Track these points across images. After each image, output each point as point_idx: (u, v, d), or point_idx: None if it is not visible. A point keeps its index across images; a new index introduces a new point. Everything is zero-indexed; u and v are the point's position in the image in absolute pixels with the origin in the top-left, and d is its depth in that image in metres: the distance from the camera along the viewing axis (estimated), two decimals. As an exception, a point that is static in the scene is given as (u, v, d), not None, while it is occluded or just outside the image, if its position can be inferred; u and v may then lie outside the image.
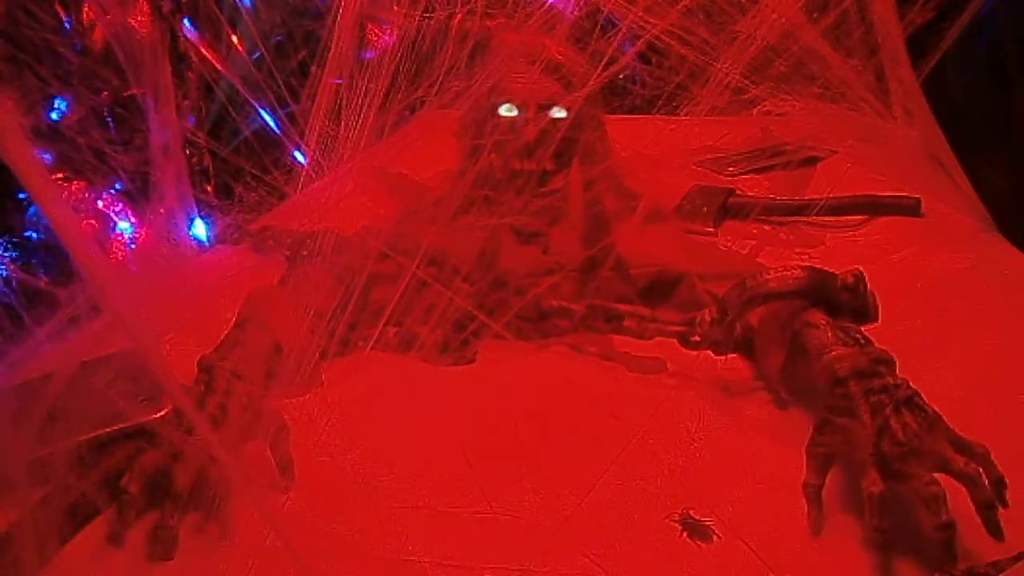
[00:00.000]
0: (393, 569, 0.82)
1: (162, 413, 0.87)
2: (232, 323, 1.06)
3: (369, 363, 1.12)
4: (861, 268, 1.00)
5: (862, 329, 0.95)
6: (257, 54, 1.73)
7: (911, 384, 0.85)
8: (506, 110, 1.30)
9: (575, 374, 1.11)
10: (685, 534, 0.83)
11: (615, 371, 1.11)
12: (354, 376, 1.09)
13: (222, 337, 1.03)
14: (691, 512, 0.85)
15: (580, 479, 0.91)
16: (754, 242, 1.43)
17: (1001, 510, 0.76)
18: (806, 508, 0.84)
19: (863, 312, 0.98)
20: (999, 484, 0.76)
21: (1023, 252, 1.36)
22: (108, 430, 0.86)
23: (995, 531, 0.75)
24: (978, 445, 0.78)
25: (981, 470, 0.77)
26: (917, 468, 0.78)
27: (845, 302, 0.98)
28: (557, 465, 0.93)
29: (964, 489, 0.77)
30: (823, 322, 0.95)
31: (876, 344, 0.92)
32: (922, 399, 0.83)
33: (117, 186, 1.80)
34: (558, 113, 1.28)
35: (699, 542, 0.83)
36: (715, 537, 0.83)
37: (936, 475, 0.77)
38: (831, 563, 0.80)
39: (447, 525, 0.86)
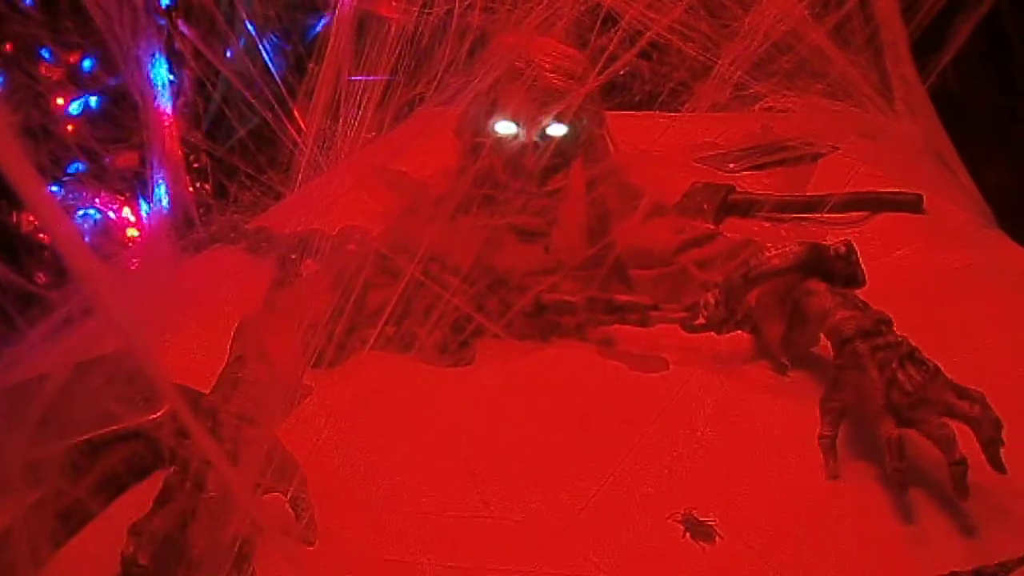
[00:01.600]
0: (393, 571, 0.81)
1: (157, 415, 0.86)
2: (228, 358, 0.99)
3: (368, 364, 1.11)
4: (865, 273, 1.05)
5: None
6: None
7: (910, 341, 0.90)
8: (503, 127, 1.26)
9: (575, 374, 1.10)
10: (688, 534, 0.83)
11: (616, 371, 1.11)
12: (353, 377, 1.08)
13: (220, 374, 0.96)
14: (693, 512, 0.84)
15: (581, 481, 0.90)
16: (755, 239, 1.42)
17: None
18: (822, 458, 0.90)
19: (853, 278, 1.05)
20: (997, 424, 0.82)
21: None
22: (102, 432, 0.85)
23: (998, 465, 0.81)
24: (975, 391, 0.84)
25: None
26: (926, 414, 0.84)
27: (839, 270, 1.04)
28: (557, 467, 0.92)
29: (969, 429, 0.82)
30: (822, 289, 1.00)
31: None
32: (921, 353, 0.89)
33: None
34: (557, 131, 1.26)
35: (702, 542, 0.82)
36: (717, 537, 0.82)
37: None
38: (833, 564, 0.79)
39: (448, 528, 0.85)
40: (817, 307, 0.99)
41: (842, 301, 0.97)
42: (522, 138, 1.26)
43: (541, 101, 1.24)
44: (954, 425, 0.83)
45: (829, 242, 1.07)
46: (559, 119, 1.26)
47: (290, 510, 0.84)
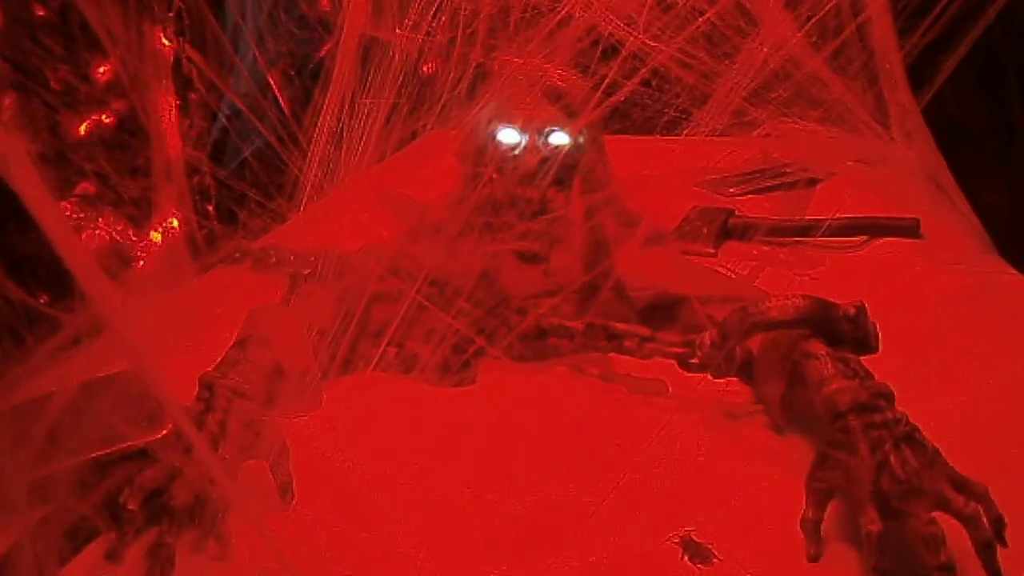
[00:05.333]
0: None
1: (162, 434, 0.88)
2: (233, 340, 1.07)
3: (370, 384, 1.12)
4: (863, 299, 0.99)
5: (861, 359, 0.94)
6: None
7: (910, 419, 0.84)
8: (506, 136, 1.28)
9: (576, 396, 1.11)
10: (686, 556, 0.83)
11: (616, 393, 1.11)
12: (355, 396, 1.09)
13: (223, 355, 1.04)
14: (692, 534, 0.85)
15: (580, 502, 0.90)
16: (754, 263, 1.43)
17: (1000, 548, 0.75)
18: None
19: (864, 343, 0.97)
20: (998, 523, 0.75)
21: (1021, 273, 1.36)
22: (108, 451, 0.86)
23: (994, 571, 0.74)
24: (978, 484, 0.77)
25: (980, 509, 0.75)
26: (916, 507, 0.77)
27: (846, 332, 0.97)
28: (557, 488, 0.93)
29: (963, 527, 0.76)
30: (823, 353, 0.94)
31: (876, 375, 0.91)
32: (922, 435, 0.82)
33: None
34: (559, 140, 1.28)
35: (699, 564, 0.82)
36: (715, 560, 0.82)
37: (935, 513, 0.76)
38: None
39: (448, 547, 0.86)
40: (815, 373, 0.92)
41: (842, 368, 0.90)
42: (525, 145, 1.26)
43: (544, 106, 1.25)
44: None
45: (840, 301, 0.99)
46: (562, 128, 1.26)
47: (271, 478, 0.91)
